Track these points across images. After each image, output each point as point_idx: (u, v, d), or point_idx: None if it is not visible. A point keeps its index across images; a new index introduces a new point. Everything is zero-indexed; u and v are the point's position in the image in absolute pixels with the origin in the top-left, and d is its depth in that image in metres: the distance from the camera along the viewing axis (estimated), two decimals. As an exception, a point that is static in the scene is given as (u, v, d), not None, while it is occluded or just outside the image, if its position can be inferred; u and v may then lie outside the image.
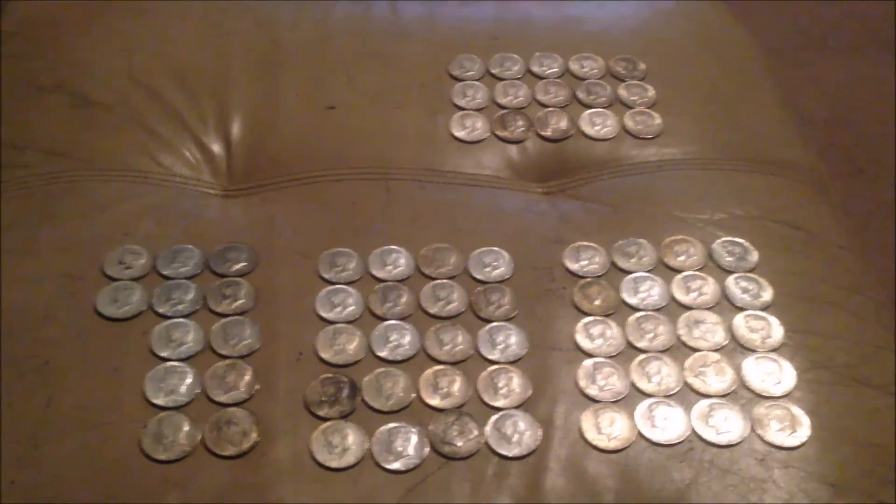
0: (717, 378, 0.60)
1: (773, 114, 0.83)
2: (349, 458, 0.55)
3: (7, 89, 0.76)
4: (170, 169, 0.72)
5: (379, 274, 0.65)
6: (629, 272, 0.66)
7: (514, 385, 0.59)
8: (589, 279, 0.65)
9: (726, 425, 0.58)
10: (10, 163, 0.71)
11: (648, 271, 0.66)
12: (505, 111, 0.78)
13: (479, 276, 0.65)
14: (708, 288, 0.65)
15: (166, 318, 0.61)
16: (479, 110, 0.78)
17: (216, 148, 0.75)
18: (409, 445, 0.56)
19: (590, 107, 0.78)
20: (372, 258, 0.65)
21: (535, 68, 0.81)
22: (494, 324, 0.62)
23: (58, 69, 0.77)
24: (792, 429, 0.58)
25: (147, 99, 0.75)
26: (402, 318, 0.62)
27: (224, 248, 0.65)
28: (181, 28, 0.82)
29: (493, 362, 0.60)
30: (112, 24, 0.81)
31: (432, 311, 0.63)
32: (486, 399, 0.58)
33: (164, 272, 0.63)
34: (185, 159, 0.73)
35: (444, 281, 0.64)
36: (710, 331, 0.63)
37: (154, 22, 0.82)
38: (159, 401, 0.57)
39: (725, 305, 0.64)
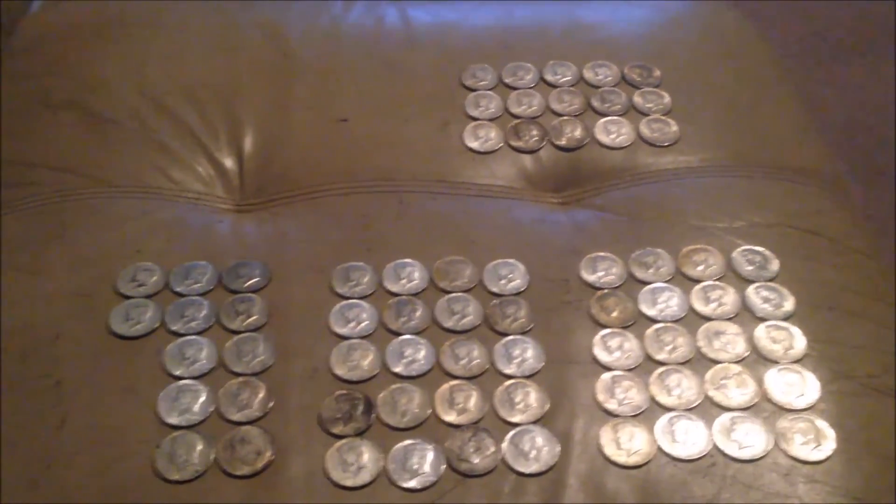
0: (738, 391, 0.59)
1: (789, 118, 0.82)
2: (364, 477, 0.54)
3: (18, 106, 0.76)
4: (182, 185, 0.72)
5: (393, 288, 0.64)
6: (647, 283, 0.65)
7: (531, 400, 0.58)
8: (606, 290, 0.64)
9: (749, 439, 0.56)
10: (21, 180, 0.71)
11: (667, 282, 0.65)
12: (519, 121, 0.77)
13: (494, 289, 0.64)
14: (728, 298, 0.64)
15: (179, 335, 0.60)
16: (492, 120, 0.77)
17: (228, 163, 0.74)
18: (425, 463, 0.55)
19: (604, 115, 0.78)
20: (386, 272, 0.65)
21: (549, 77, 0.80)
22: (510, 337, 0.61)
23: (69, 86, 0.77)
24: (816, 442, 0.56)
25: (159, 115, 0.75)
26: (417, 333, 0.61)
27: (237, 264, 0.65)
28: (192, 44, 0.82)
29: (509, 377, 0.59)
30: (123, 40, 0.81)
31: (447, 325, 0.62)
32: (503, 414, 0.57)
33: (177, 289, 0.63)
34: (198, 175, 0.73)
35: (459, 294, 0.64)
36: (730, 342, 0.61)
37: (165, 38, 0.82)
38: (173, 420, 0.56)
39: (746, 316, 0.63)
